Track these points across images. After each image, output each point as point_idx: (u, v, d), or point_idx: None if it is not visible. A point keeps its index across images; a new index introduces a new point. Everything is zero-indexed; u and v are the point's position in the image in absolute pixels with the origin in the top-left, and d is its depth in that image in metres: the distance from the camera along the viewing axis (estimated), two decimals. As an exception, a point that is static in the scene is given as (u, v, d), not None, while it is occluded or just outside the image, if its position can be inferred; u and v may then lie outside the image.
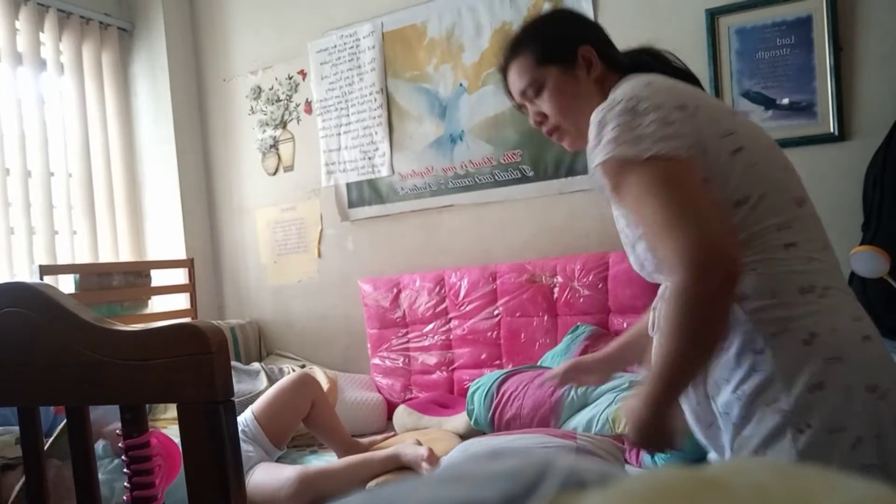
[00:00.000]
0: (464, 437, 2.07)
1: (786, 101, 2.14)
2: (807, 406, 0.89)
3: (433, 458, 1.77)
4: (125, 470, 0.80)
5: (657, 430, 0.94)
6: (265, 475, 1.83)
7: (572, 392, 1.87)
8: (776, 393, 0.90)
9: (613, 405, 1.78)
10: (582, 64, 1.09)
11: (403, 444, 1.88)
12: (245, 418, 2.02)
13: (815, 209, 1.01)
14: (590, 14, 2.41)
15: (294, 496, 1.74)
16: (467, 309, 2.52)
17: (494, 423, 1.98)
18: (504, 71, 1.16)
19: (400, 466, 1.83)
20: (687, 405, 1.02)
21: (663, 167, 0.91)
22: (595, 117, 0.98)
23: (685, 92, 0.99)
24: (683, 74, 1.10)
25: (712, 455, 1.06)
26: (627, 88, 0.98)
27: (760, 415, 0.92)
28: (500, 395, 1.98)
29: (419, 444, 1.85)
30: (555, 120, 1.12)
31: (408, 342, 2.66)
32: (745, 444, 0.94)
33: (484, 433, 2.05)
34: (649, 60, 1.11)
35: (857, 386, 0.89)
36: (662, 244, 0.91)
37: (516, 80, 1.14)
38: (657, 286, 1.10)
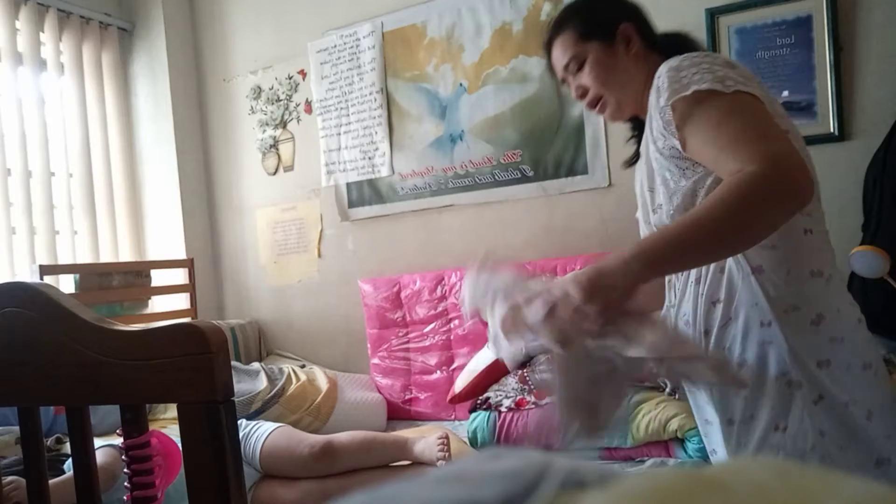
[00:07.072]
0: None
1: (786, 100, 2.14)
2: (816, 380, 0.95)
3: (444, 445, 1.79)
4: (125, 470, 0.80)
5: (613, 289, 0.82)
6: (285, 439, 1.88)
7: None
8: (786, 366, 0.96)
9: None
10: (621, 40, 1.13)
11: (417, 437, 1.90)
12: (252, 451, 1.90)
13: None
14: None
15: (317, 462, 1.82)
16: (467, 309, 2.51)
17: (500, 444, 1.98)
18: (548, 47, 1.20)
19: (412, 458, 1.86)
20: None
21: (750, 100, 0.93)
22: (665, 68, 1.00)
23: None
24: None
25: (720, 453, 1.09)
26: (685, 57, 0.99)
27: (771, 384, 0.97)
28: (501, 416, 1.97)
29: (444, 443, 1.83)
30: (596, 90, 1.14)
31: (408, 342, 2.66)
32: (755, 409, 0.98)
33: None
34: (686, 45, 1.13)
35: (856, 364, 0.97)
36: (744, 152, 0.86)
37: (560, 55, 1.17)
38: (661, 288, 1.14)
